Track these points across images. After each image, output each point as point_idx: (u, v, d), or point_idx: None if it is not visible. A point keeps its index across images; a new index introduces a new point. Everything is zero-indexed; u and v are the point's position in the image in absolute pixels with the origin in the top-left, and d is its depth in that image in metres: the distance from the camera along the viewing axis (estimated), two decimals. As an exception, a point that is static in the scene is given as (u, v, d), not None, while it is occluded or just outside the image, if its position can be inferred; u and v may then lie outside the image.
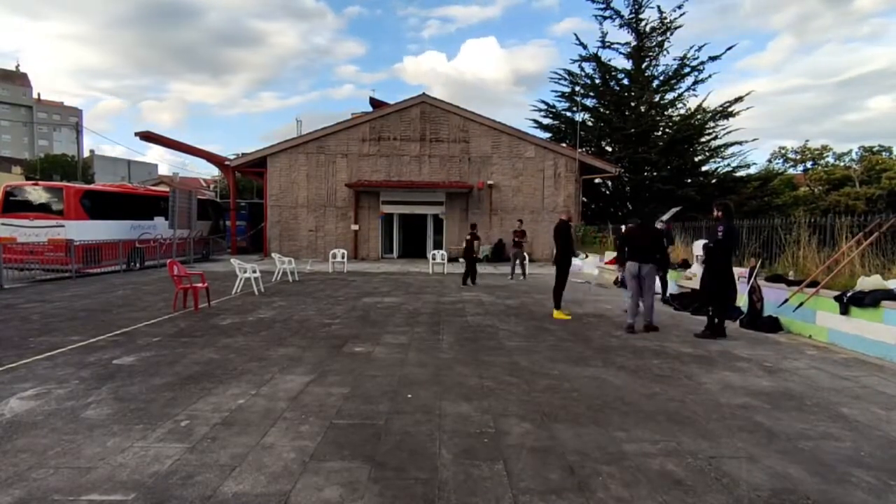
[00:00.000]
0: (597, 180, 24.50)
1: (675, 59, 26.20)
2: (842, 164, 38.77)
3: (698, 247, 13.00)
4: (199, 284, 8.67)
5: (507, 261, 16.88)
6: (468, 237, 12.89)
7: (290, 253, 18.37)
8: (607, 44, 26.48)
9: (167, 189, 19.02)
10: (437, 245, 20.35)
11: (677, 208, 13.33)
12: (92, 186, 16.85)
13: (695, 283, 9.60)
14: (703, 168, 26.46)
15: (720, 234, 6.59)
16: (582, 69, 26.86)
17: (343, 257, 15.98)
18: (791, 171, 38.17)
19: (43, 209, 13.73)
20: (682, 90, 26.00)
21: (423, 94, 20.62)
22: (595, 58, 26.23)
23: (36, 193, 14.05)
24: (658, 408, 4.04)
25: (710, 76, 25.17)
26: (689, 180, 25.14)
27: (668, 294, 10.01)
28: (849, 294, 6.08)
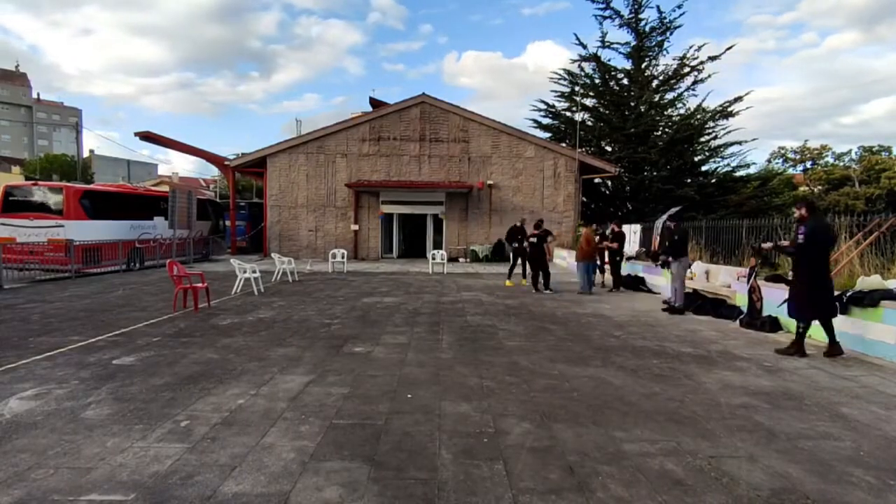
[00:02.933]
0: (596, 180, 24.49)
1: (674, 59, 26.15)
2: (841, 164, 38.80)
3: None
4: (199, 284, 8.67)
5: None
6: (536, 232, 11.26)
7: (289, 253, 18.38)
8: (607, 44, 26.47)
9: (167, 189, 19.01)
10: (437, 245, 20.36)
11: (677, 208, 13.34)
12: (91, 186, 16.84)
13: (695, 284, 9.61)
14: (703, 168, 26.45)
15: (801, 236, 5.51)
16: (582, 69, 26.86)
17: (343, 257, 15.98)
18: (791, 171, 38.19)
19: (42, 209, 13.72)
20: (681, 90, 26.02)
21: (423, 93, 20.61)
22: (595, 57, 26.21)
23: (35, 193, 14.04)
24: (658, 407, 4.04)
25: (709, 76, 25.14)
26: (689, 180, 25.12)
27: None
28: (848, 294, 6.08)
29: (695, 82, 25.43)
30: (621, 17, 25.74)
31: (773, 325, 7.11)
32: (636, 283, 11.82)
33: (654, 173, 24.33)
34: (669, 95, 26.21)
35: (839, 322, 6.24)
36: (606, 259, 12.31)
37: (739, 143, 25.22)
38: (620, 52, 26.59)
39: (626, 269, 12.66)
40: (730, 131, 25.14)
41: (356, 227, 20.71)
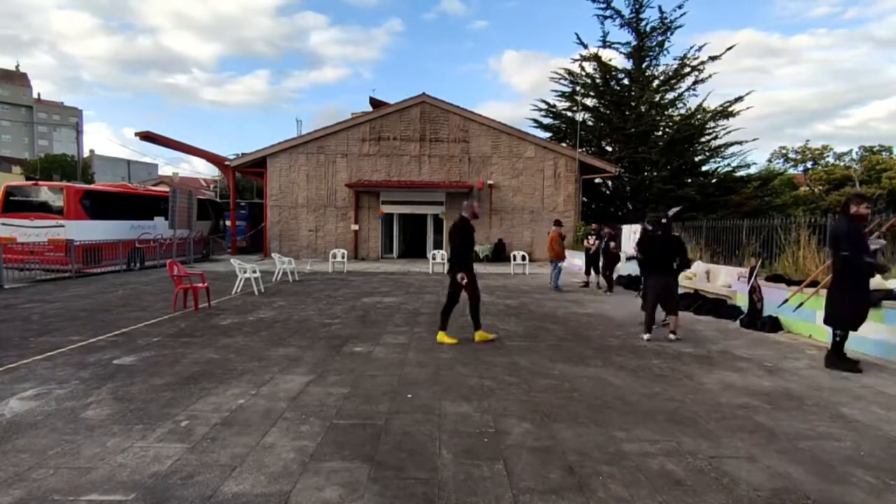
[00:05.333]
0: (597, 180, 24.47)
1: (675, 59, 26.15)
2: (842, 164, 38.78)
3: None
4: (199, 284, 8.67)
5: (508, 261, 16.86)
6: (596, 236, 11.91)
7: (290, 253, 18.38)
8: (608, 43, 26.47)
9: (167, 189, 19.02)
10: (437, 245, 20.34)
11: (678, 207, 13.33)
12: (92, 186, 16.85)
13: (696, 284, 9.61)
14: (704, 168, 26.43)
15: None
16: (582, 69, 26.84)
17: (343, 257, 15.98)
18: (791, 171, 38.17)
19: (43, 209, 13.73)
20: (682, 90, 26.00)
21: (423, 93, 20.60)
22: (595, 57, 26.20)
23: (36, 193, 14.05)
24: (658, 408, 4.04)
25: (710, 76, 25.12)
26: (690, 180, 25.10)
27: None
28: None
29: (695, 82, 25.42)
30: (622, 16, 25.74)
31: (774, 325, 7.11)
32: (636, 284, 11.81)
33: (655, 173, 24.31)
34: (670, 95, 26.21)
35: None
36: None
37: (740, 143, 25.21)
38: (621, 52, 26.60)
39: (626, 269, 12.67)
40: (730, 131, 25.15)
41: (356, 227, 20.71)
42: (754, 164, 59.23)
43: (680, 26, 25.59)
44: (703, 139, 25.36)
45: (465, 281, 6.02)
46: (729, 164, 26.03)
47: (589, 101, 26.86)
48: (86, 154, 62.66)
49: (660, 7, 31.33)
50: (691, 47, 25.74)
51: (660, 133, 25.39)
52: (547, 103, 27.39)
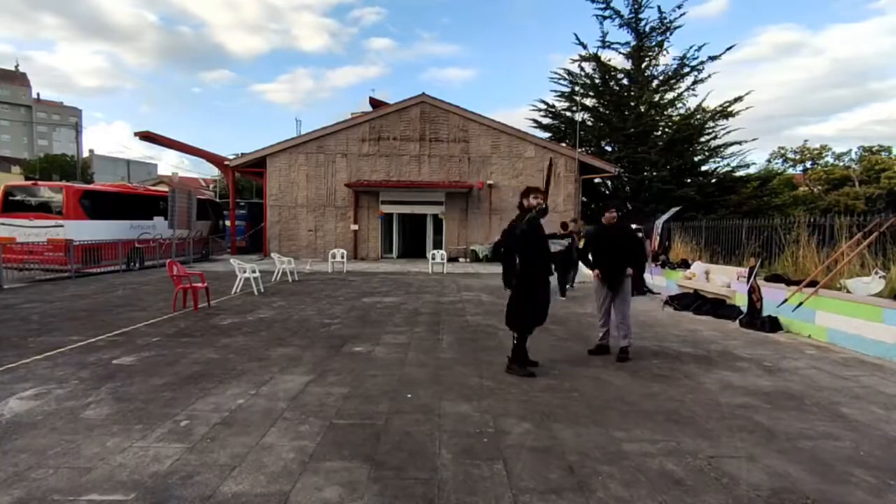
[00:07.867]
0: (596, 180, 24.45)
1: (674, 59, 26.13)
2: (841, 164, 38.78)
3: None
4: (199, 284, 8.66)
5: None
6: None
7: (289, 253, 18.37)
8: (607, 43, 26.45)
9: (166, 189, 19.01)
10: (437, 245, 20.34)
11: (677, 208, 13.34)
12: (91, 186, 16.83)
13: (695, 284, 9.62)
14: (703, 168, 26.43)
15: None
16: (582, 69, 26.82)
17: (343, 257, 15.98)
18: (790, 170, 38.16)
19: (42, 209, 13.71)
20: (681, 90, 25.99)
21: (423, 93, 20.60)
22: (595, 57, 26.19)
23: (35, 193, 14.04)
24: (658, 407, 4.04)
25: (709, 76, 25.11)
26: (689, 180, 25.11)
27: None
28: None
29: (695, 82, 25.42)
30: (621, 17, 25.73)
31: (773, 324, 7.11)
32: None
33: (654, 173, 24.32)
34: (669, 95, 26.20)
35: (839, 321, 6.25)
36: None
37: (739, 143, 25.19)
38: (620, 52, 26.59)
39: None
40: (730, 131, 25.15)
41: (356, 227, 20.71)
42: (753, 164, 59.05)
43: (679, 26, 25.56)
44: (702, 139, 25.36)
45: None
46: (728, 164, 26.03)
47: (588, 102, 26.85)
48: (85, 154, 62.62)
49: (659, 7, 31.24)
50: (691, 47, 25.73)
51: (659, 133, 25.39)
52: (546, 103, 27.41)
